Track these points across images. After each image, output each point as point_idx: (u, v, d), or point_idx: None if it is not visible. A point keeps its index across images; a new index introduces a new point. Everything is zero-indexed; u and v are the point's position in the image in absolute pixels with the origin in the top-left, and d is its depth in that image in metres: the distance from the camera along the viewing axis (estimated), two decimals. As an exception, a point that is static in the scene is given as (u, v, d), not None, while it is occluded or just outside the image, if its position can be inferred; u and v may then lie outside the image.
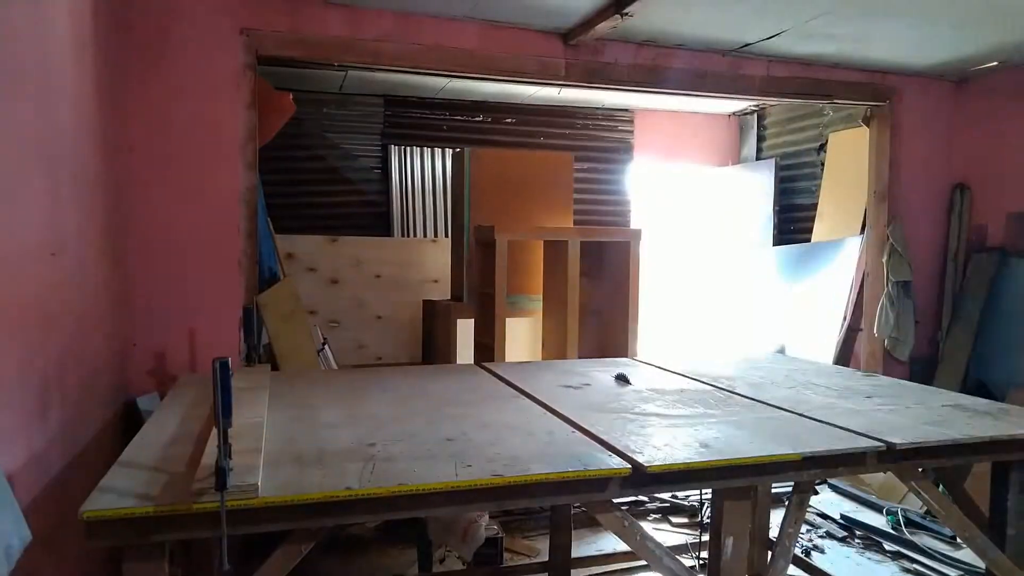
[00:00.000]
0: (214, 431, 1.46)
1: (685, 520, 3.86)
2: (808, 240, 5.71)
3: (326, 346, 4.58)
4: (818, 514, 3.90)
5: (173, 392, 2.36)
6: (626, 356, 3.93)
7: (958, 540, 3.41)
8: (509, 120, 6.13)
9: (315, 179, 5.72)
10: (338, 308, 5.56)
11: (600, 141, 6.42)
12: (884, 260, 4.73)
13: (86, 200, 2.65)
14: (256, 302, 3.52)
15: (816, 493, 4.21)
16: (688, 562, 2.61)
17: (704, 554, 3.36)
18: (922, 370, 4.81)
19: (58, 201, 2.26)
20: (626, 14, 3.40)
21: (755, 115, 6.53)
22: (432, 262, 5.75)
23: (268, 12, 3.45)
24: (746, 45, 4.14)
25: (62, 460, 2.22)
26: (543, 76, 4.00)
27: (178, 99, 3.33)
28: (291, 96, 4.16)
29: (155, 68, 3.28)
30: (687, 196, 6.84)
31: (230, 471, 1.38)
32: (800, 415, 2.19)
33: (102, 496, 1.42)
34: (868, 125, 4.85)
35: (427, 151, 5.93)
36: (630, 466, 1.67)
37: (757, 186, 6.12)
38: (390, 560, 3.38)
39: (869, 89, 4.67)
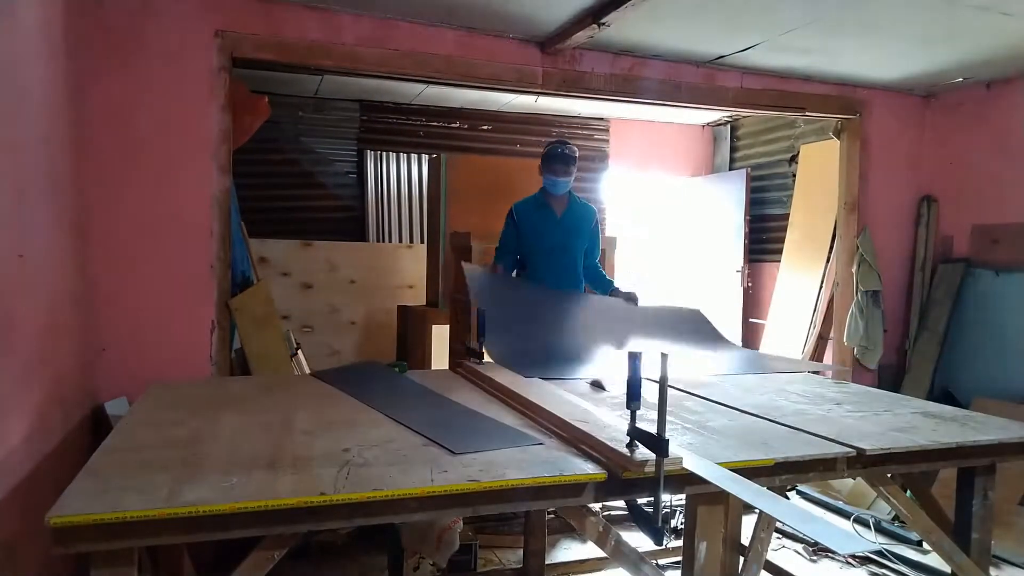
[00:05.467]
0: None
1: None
2: (780, 249, 5.80)
3: (299, 351, 4.54)
4: (788, 520, 3.94)
5: (143, 397, 2.32)
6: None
7: (925, 545, 3.48)
8: (486, 127, 6.14)
9: (290, 183, 5.68)
10: (311, 313, 5.52)
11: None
12: (854, 270, 4.82)
13: (55, 201, 2.60)
14: (228, 306, 3.48)
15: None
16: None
17: (664, 560, 3.39)
18: (890, 378, 4.91)
19: (25, 201, 2.22)
20: (603, 24, 3.43)
21: (728, 126, 6.63)
22: (407, 268, 5.73)
23: (244, 14, 3.42)
24: (720, 57, 4.20)
25: (26, 466, 2.17)
26: (520, 84, 4.02)
27: (151, 100, 3.28)
28: (266, 99, 4.13)
29: (128, 68, 3.23)
30: (661, 205, 6.91)
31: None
32: (772, 421, 2.22)
33: (70, 501, 1.39)
34: (838, 137, 4.94)
35: (403, 157, 5.92)
36: (605, 472, 1.68)
37: (729, 196, 6.20)
38: (362, 568, 3.35)
39: (839, 102, 4.76)
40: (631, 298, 3.59)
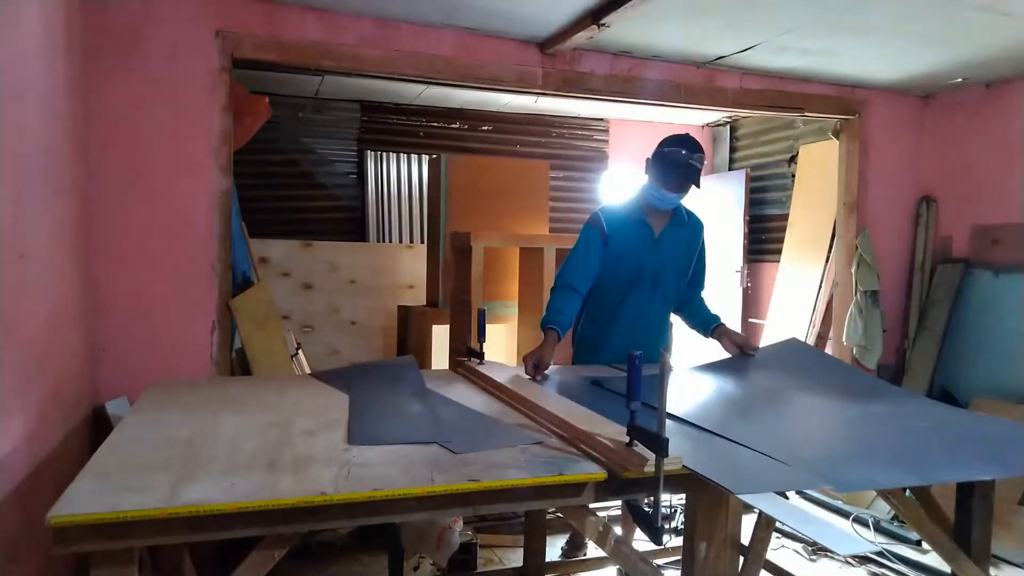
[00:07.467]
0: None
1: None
2: (779, 249, 5.80)
3: (299, 351, 4.54)
4: (788, 520, 3.95)
5: (143, 397, 2.32)
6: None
7: (924, 545, 3.48)
8: (486, 128, 6.15)
9: (290, 183, 5.68)
10: (312, 313, 5.52)
11: (576, 150, 6.46)
12: (853, 270, 4.82)
13: (56, 201, 2.60)
14: (229, 306, 3.48)
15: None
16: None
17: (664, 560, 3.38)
18: (889, 378, 4.90)
19: (25, 202, 2.22)
20: (603, 24, 3.43)
21: (728, 127, 6.63)
22: (407, 268, 5.73)
23: (245, 15, 3.42)
24: (720, 58, 4.20)
25: (26, 466, 2.17)
26: (520, 85, 4.03)
27: (152, 101, 3.28)
28: (267, 100, 4.13)
29: (128, 69, 3.24)
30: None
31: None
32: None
33: (70, 501, 1.39)
34: (837, 138, 4.94)
35: (403, 157, 5.92)
36: (605, 472, 1.68)
37: (729, 196, 6.20)
38: (362, 567, 3.35)
39: (839, 103, 4.76)
40: (745, 346, 2.81)
